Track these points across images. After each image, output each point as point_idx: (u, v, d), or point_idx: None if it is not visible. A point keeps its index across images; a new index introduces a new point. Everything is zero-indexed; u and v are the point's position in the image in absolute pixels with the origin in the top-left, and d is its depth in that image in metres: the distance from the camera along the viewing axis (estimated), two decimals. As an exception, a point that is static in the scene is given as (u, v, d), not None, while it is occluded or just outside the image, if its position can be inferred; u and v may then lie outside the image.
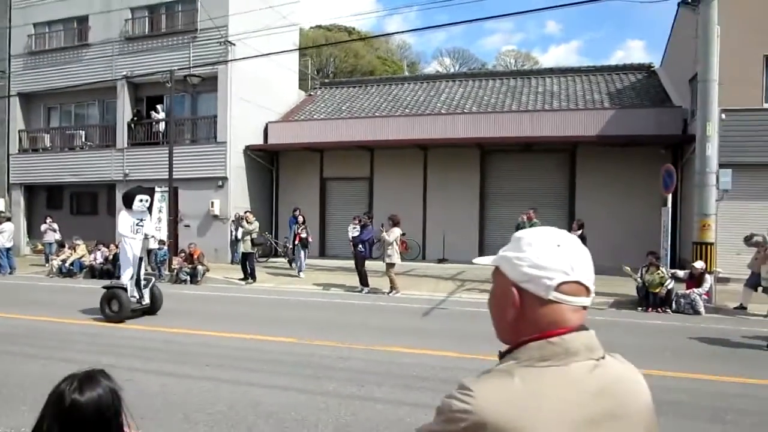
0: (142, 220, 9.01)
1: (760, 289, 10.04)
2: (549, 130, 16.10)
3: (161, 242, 13.87)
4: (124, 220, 8.87)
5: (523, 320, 1.08)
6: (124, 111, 18.66)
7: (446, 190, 17.49)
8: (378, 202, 18.22)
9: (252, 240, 13.42)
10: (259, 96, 18.63)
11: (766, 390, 5.56)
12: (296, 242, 14.34)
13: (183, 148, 17.89)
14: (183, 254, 14.07)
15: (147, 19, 18.46)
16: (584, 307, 1.10)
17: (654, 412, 1.13)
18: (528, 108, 17.49)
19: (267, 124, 19.05)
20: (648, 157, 15.42)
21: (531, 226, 11.50)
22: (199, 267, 13.47)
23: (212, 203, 17.10)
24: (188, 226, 17.59)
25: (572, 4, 12.98)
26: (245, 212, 14.32)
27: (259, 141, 18.82)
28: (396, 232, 11.86)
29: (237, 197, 17.66)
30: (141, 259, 9.05)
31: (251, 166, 18.39)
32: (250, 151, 18.16)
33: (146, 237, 9.21)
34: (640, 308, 10.33)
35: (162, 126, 18.20)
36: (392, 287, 11.83)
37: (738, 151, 13.17)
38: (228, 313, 9.93)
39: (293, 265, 14.92)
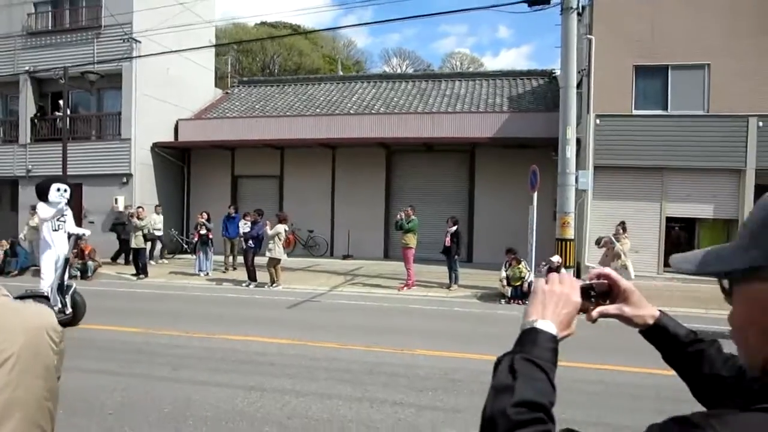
0: (63, 215, 7.89)
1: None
2: (449, 131, 16.76)
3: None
4: (44, 212, 7.68)
5: None
6: (27, 106, 18.29)
7: (354, 188, 17.93)
8: (288, 199, 18.51)
9: (144, 236, 13.48)
10: (170, 93, 18.60)
11: (592, 373, 6.15)
12: (196, 240, 14.43)
13: (87, 145, 17.72)
14: (75, 250, 13.96)
15: (50, 13, 18.14)
16: None
17: None
18: (432, 110, 18.12)
19: (178, 122, 19.04)
20: (539, 159, 16.19)
21: (409, 222, 12.12)
22: (90, 263, 13.44)
23: (116, 199, 16.99)
24: (92, 222, 17.41)
25: (469, 9, 13.63)
26: (137, 208, 14.36)
27: (171, 138, 18.80)
28: (279, 228, 12.17)
29: (145, 194, 17.59)
30: (67, 260, 7.97)
31: (161, 163, 18.33)
32: (159, 148, 18.11)
33: (71, 236, 8.18)
34: (503, 300, 11.01)
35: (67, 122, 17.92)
36: (272, 280, 12.15)
37: (611, 154, 14.12)
38: (102, 306, 10.03)
39: (227, 267, 14.70)
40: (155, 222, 15.19)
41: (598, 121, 14.08)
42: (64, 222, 7.97)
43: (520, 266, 11.03)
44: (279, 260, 12.26)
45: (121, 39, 16.89)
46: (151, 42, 16.90)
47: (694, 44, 13.63)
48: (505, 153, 16.68)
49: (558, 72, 20.02)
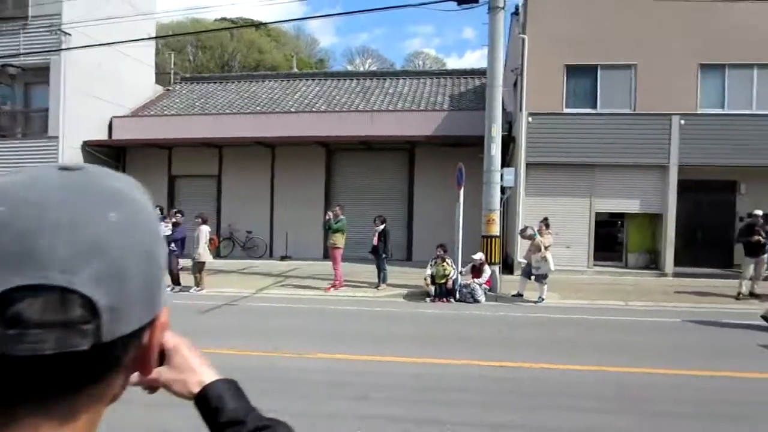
0: None
1: (533, 277, 10.96)
2: (388, 129, 16.66)
3: None
4: None
5: None
6: (-52, 101, 17.47)
7: (293, 188, 17.68)
8: (226, 200, 18.17)
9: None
10: (103, 90, 17.98)
11: (488, 370, 6.10)
12: None
13: (13, 143, 17.02)
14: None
15: (-28, 3, 17.35)
16: None
17: None
18: (373, 108, 18.01)
19: (112, 119, 18.46)
20: (476, 157, 16.28)
21: (337, 222, 11.96)
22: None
23: (43, 200, 16.34)
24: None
25: (396, 6, 13.65)
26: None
27: (104, 136, 18.21)
28: (204, 230, 11.86)
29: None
30: None
31: (93, 163, 17.66)
32: (90, 147, 17.51)
33: None
34: (428, 299, 10.96)
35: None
36: (197, 283, 11.85)
37: (543, 152, 14.25)
38: None
39: None
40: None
41: (530, 119, 14.20)
42: None
43: (445, 264, 11.00)
44: (203, 263, 11.94)
45: (48, 31, 16.26)
46: (83, 35, 16.30)
47: (622, 45, 13.88)
48: (444, 151, 16.67)
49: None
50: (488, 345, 7.19)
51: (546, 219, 11.37)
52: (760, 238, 11.09)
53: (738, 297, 11.03)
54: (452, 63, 58.33)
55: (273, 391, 5.15)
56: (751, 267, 11.22)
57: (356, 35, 70.68)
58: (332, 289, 11.88)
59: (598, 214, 14.49)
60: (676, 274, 13.78)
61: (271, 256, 17.66)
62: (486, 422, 4.45)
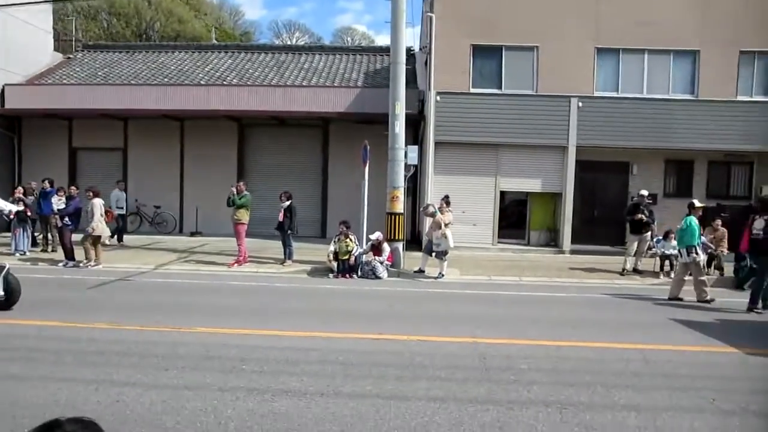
0: None
1: (434, 254, 11.24)
2: (301, 105, 16.46)
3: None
4: None
5: None
6: None
7: (204, 163, 17.20)
8: (133, 174, 17.44)
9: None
10: (-6, 55, 16.70)
11: (357, 343, 6.18)
12: (12, 217, 13.08)
13: None
14: None
15: None
16: None
17: None
18: (287, 83, 17.69)
19: (4, 87, 17.17)
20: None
21: (241, 198, 11.76)
22: None
23: None
24: None
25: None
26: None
27: (-5, 105, 16.96)
28: (97, 203, 11.35)
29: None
30: None
31: (-18, 133, 16.51)
32: (-22, 116, 16.27)
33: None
34: (331, 274, 11.03)
35: None
36: (87, 258, 11.36)
37: (450, 131, 14.54)
38: None
39: (46, 246, 13.34)
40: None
41: (438, 98, 14.42)
42: None
43: (348, 240, 11.09)
44: (99, 237, 11.45)
45: None
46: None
47: (525, 27, 14.30)
48: (357, 128, 16.65)
49: (417, 49, 20.36)
50: (376, 319, 7.35)
51: (447, 197, 11.65)
52: (642, 216, 11.87)
53: (622, 273, 11.76)
54: (382, 40, 58.07)
55: (141, 365, 5.07)
56: (636, 245, 12.01)
57: (285, 9, 68.92)
58: (236, 265, 11.73)
59: (502, 192, 15.01)
60: (573, 251, 14.54)
61: (181, 232, 17.18)
62: (344, 392, 4.57)
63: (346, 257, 11.01)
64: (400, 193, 11.71)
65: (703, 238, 10.43)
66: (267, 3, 62.91)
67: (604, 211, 15.27)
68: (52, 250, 13.11)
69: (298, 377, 4.91)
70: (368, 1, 67.48)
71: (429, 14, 14.30)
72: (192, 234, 16.66)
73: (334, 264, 11.00)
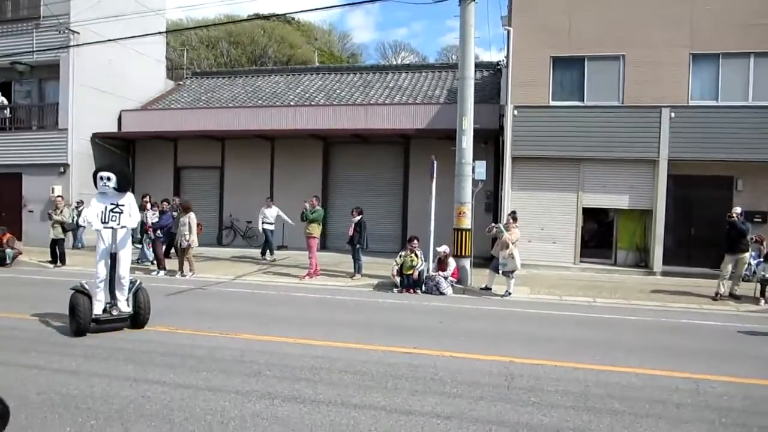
0: (117, 205, 7.09)
1: (501, 272, 10.92)
2: (382, 122, 16.80)
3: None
4: (92, 205, 7.17)
5: None
6: (-31, 96, 18.52)
7: (292, 179, 18.02)
8: (228, 190, 18.69)
9: (63, 227, 13.66)
10: (114, 85, 18.78)
11: (418, 358, 6.26)
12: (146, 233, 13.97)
13: (28, 134, 17.96)
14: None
15: (-10, 4, 18.36)
16: None
17: None
18: (371, 102, 18.14)
19: (121, 113, 19.20)
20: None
21: (313, 212, 12.21)
22: (8, 250, 13.64)
23: (53, 189, 17.18)
24: (32, 211, 17.69)
25: (369, 1, 13.71)
26: (56, 197, 14.51)
27: (114, 129, 18.97)
28: (191, 218, 12.26)
29: (85, 184, 17.75)
30: (114, 255, 6.97)
31: (103, 154, 18.47)
32: (99, 139, 18.27)
33: (118, 228, 7.04)
34: (396, 289, 11.08)
35: (8, 112, 18.18)
36: (180, 268, 12.26)
37: (529, 145, 14.12)
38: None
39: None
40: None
41: (515, 112, 14.09)
42: (119, 213, 7.08)
43: (413, 255, 11.09)
44: (191, 248, 12.35)
45: (57, 30, 17.05)
46: (93, 33, 17.02)
47: (609, 35, 13.62)
48: (438, 144, 16.62)
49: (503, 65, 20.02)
50: (418, 334, 7.29)
51: (513, 212, 11.30)
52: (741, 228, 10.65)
53: (715, 298, 10.66)
54: (487, 57, 57.80)
55: (178, 365, 5.44)
56: (730, 266, 10.86)
57: (394, 31, 70.90)
58: (307, 277, 12.13)
59: (585, 209, 14.27)
60: (664, 273, 13.45)
61: (269, 246, 18.05)
62: (351, 402, 4.59)
63: (410, 272, 11.01)
64: (467, 209, 11.54)
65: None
66: (378, 25, 65.13)
67: (703, 231, 13.95)
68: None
69: (314, 385, 5.00)
70: (477, 19, 67.67)
71: (507, 28, 14.06)
72: (278, 248, 17.44)
73: (398, 279, 11.03)
